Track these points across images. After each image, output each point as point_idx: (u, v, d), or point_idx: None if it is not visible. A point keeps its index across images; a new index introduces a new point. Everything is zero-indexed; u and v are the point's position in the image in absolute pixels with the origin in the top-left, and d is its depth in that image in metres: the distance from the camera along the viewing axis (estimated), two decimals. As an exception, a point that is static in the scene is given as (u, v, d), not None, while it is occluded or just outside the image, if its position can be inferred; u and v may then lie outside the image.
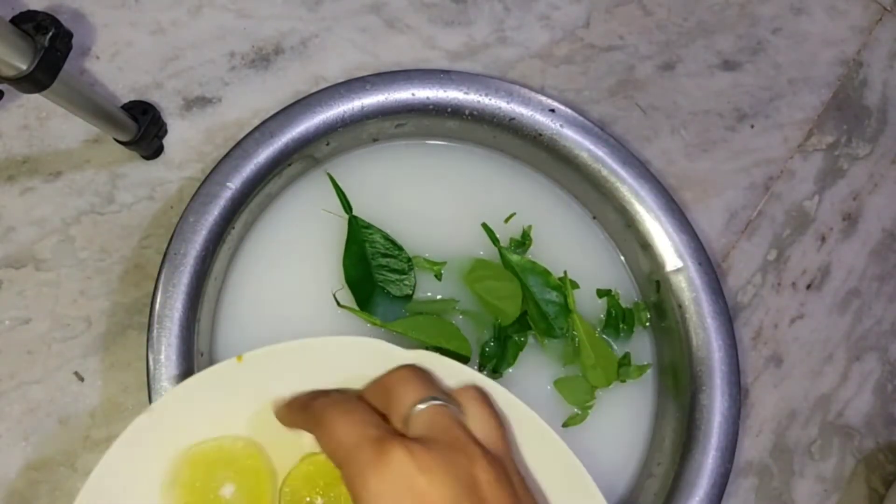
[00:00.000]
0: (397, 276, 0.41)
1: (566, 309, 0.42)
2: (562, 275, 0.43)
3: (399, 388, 0.28)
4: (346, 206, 0.42)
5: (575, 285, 0.43)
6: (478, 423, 0.27)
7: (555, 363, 0.42)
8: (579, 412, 0.41)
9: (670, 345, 0.42)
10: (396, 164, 0.44)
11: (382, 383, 0.29)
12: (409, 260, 0.41)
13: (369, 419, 0.26)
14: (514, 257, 0.42)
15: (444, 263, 0.42)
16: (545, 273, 0.42)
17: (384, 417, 0.28)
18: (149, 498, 0.31)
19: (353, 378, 0.31)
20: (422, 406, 0.26)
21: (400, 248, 0.41)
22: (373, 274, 0.41)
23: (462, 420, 0.27)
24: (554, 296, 0.42)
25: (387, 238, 0.41)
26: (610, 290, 0.44)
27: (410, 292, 0.41)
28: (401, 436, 0.25)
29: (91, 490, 0.30)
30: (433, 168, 0.44)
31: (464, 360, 0.40)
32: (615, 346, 0.43)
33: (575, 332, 0.42)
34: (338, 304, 0.40)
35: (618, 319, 0.43)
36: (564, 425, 0.41)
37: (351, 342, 0.32)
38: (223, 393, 0.32)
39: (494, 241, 0.43)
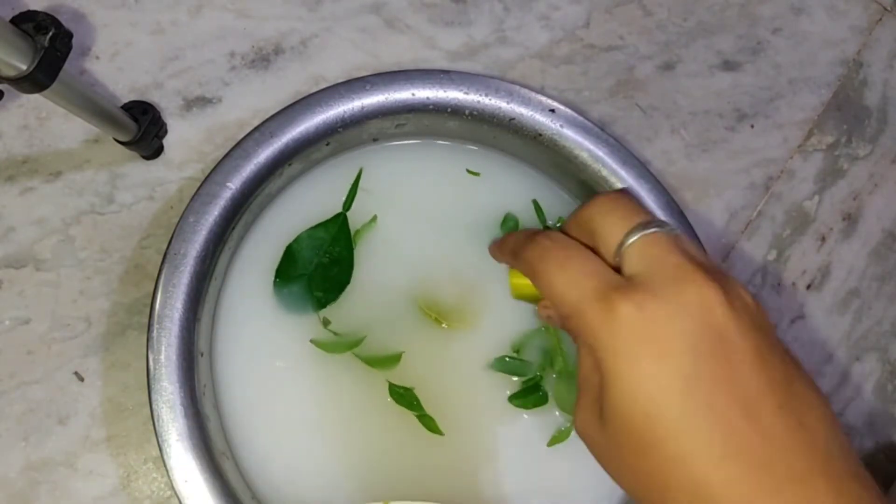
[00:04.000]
0: (326, 285, 0.41)
1: None
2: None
3: (602, 222, 0.26)
4: (348, 203, 0.42)
5: None
6: (691, 245, 0.25)
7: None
8: (563, 428, 0.41)
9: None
10: (396, 163, 0.44)
11: (583, 219, 0.27)
12: (345, 284, 0.41)
13: (586, 269, 0.25)
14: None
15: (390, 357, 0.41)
16: None
17: (594, 250, 0.26)
18: None
19: None
20: (633, 238, 0.24)
21: (350, 270, 0.41)
22: (311, 263, 0.41)
23: (678, 242, 0.25)
24: None
25: (350, 254, 0.41)
26: None
27: (321, 304, 0.41)
28: (623, 283, 0.24)
29: None
30: (433, 168, 0.44)
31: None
32: None
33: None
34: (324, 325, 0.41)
35: None
36: (549, 444, 0.41)
37: None
38: None
39: (542, 219, 0.44)
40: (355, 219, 0.42)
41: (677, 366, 0.22)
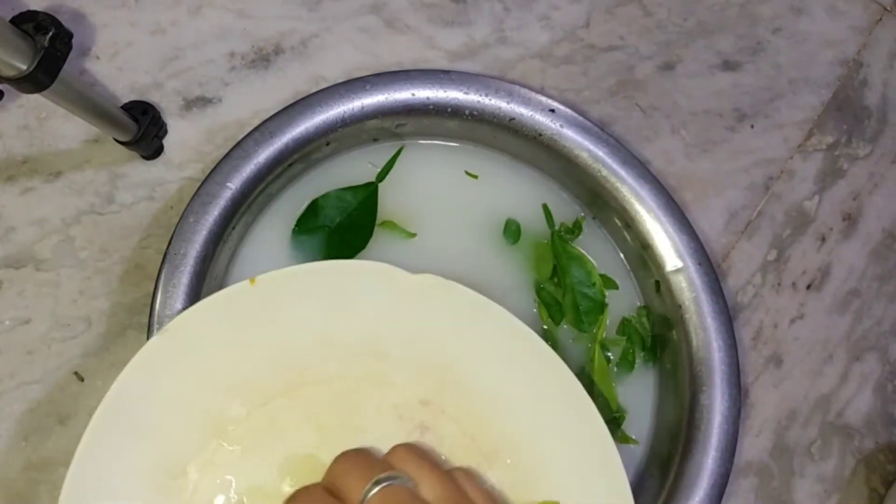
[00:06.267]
0: (342, 246, 0.41)
1: (600, 308, 0.42)
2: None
3: (344, 480, 0.28)
4: (382, 174, 0.43)
5: (613, 284, 0.43)
6: (427, 486, 0.27)
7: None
8: None
9: (672, 356, 0.42)
10: (396, 164, 0.44)
11: (331, 477, 0.29)
12: (360, 249, 0.42)
13: None
14: (566, 244, 0.43)
15: (414, 235, 0.42)
16: (592, 268, 0.43)
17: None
18: (166, 418, 0.31)
19: (360, 300, 0.33)
20: (372, 492, 0.27)
21: (368, 237, 0.42)
22: (333, 221, 0.41)
23: (412, 488, 0.27)
24: (592, 292, 0.43)
25: (372, 223, 0.42)
26: (630, 320, 0.44)
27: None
28: None
29: (108, 408, 0.30)
30: (433, 168, 0.44)
31: None
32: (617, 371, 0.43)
33: (589, 361, 0.42)
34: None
35: (633, 353, 0.43)
36: None
37: (360, 266, 0.34)
38: (237, 315, 0.32)
39: (550, 223, 0.44)
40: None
41: None
